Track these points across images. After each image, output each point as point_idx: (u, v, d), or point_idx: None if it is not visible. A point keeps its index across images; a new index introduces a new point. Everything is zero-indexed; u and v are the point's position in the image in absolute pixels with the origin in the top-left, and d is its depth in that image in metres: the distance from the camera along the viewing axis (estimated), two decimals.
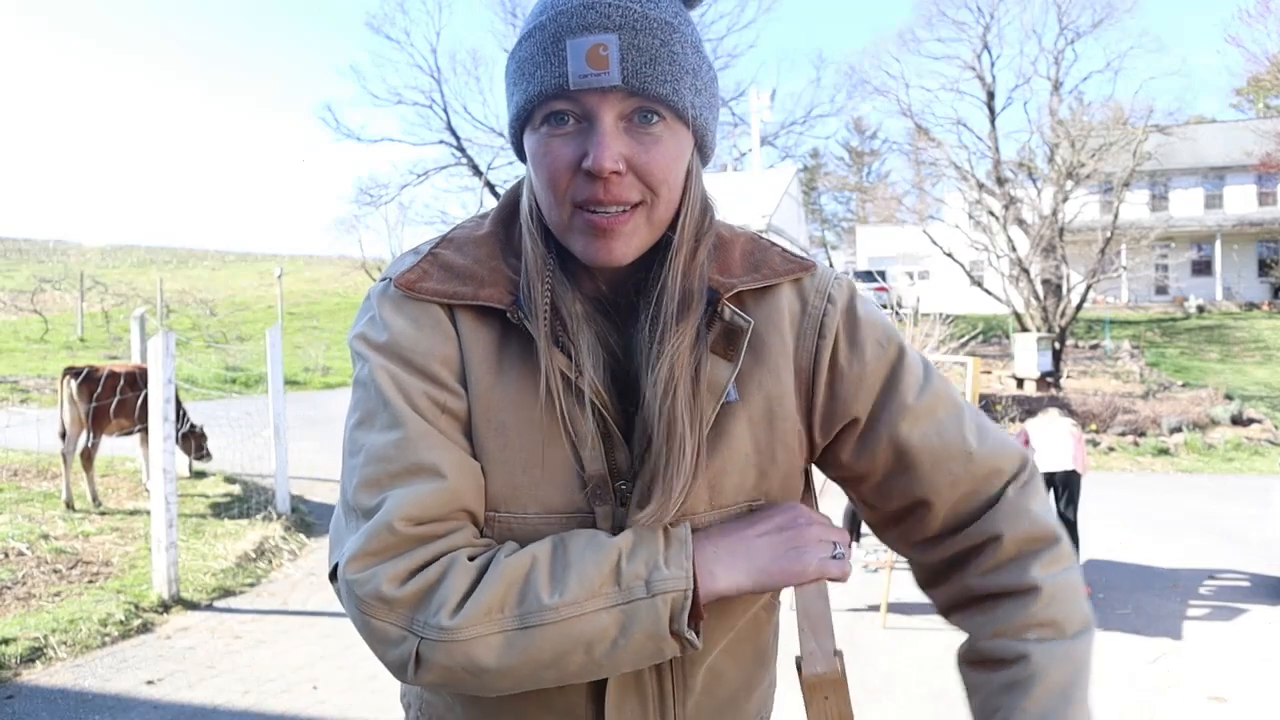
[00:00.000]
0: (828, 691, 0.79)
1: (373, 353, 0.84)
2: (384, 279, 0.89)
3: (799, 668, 0.79)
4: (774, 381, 0.88)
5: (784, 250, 0.93)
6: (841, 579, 0.83)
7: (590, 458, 0.83)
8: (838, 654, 0.79)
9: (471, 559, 0.77)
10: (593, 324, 0.86)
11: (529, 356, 0.84)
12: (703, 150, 0.86)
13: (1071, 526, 5.91)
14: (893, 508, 0.93)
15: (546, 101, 0.78)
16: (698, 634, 0.79)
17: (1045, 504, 0.93)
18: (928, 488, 0.90)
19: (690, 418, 0.82)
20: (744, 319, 0.85)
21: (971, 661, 0.90)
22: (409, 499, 0.76)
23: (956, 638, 0.92)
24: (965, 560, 0.92)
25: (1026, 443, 6.12)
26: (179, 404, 7.74)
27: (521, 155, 0.86)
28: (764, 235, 0.96)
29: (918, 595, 1.00)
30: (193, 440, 7.95)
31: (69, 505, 7.03)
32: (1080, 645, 0.86)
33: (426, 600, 0.74)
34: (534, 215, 0.86)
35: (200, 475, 8.53)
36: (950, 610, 0.94)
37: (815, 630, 0.81)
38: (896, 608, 5.20)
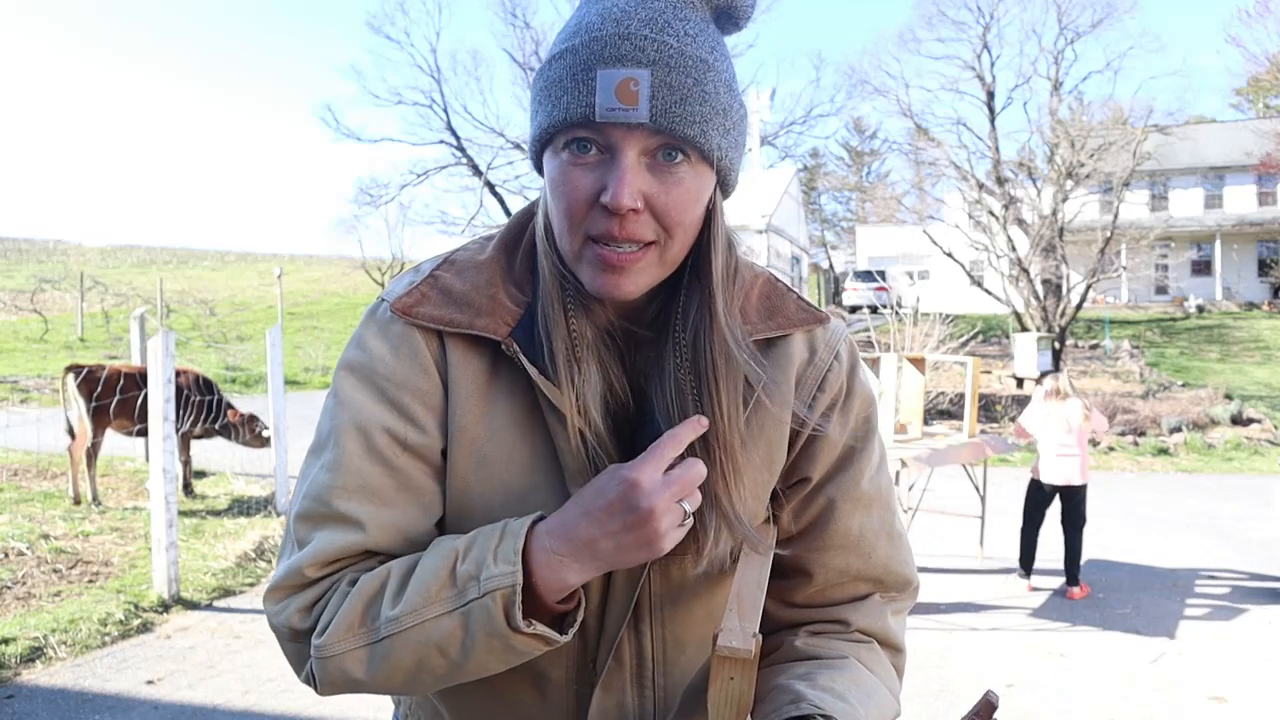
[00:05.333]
0: (735, 672, 0.78)
1: (347, 375, 0.85)
2: (380, 299, 0.88)
3: (715, 641, 0.80)
4: (775, 426, 0.88)
5: (799, 298, 0.93)
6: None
7: None
8: (756, 637, 0.79)
9: (354, 582, 0.79)
10: (599, 355, 0.84)
11: (518, 388, 0.84)
12: (724, 187, 0.84)
13: (1077, 532, 5.72)
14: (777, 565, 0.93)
15: (570, 128, 0.76)
16: (564, 628, 0.77)
17: (903, 623, 0.96)
18: (818, 565, 0.92)
19: (744, 475, 0.84)
20: (756, 373, 0.85)
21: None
22: (324, 547, 0.79)
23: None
24: (804, 627, 0.93)
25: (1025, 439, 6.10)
26: (220, 394, 7.75)
27: (540, 170, 0.83)
28: (778, 278, 0.95)
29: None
30: (244, 428, 7.85)
31: (76, 501, 7.07)
32: None
33: (316, 625, 0.79)
34: (550, 238, 0.84)
35: (200, 475, 8.53)
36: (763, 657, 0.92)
37: (742, 611, 0.81)
38: None
